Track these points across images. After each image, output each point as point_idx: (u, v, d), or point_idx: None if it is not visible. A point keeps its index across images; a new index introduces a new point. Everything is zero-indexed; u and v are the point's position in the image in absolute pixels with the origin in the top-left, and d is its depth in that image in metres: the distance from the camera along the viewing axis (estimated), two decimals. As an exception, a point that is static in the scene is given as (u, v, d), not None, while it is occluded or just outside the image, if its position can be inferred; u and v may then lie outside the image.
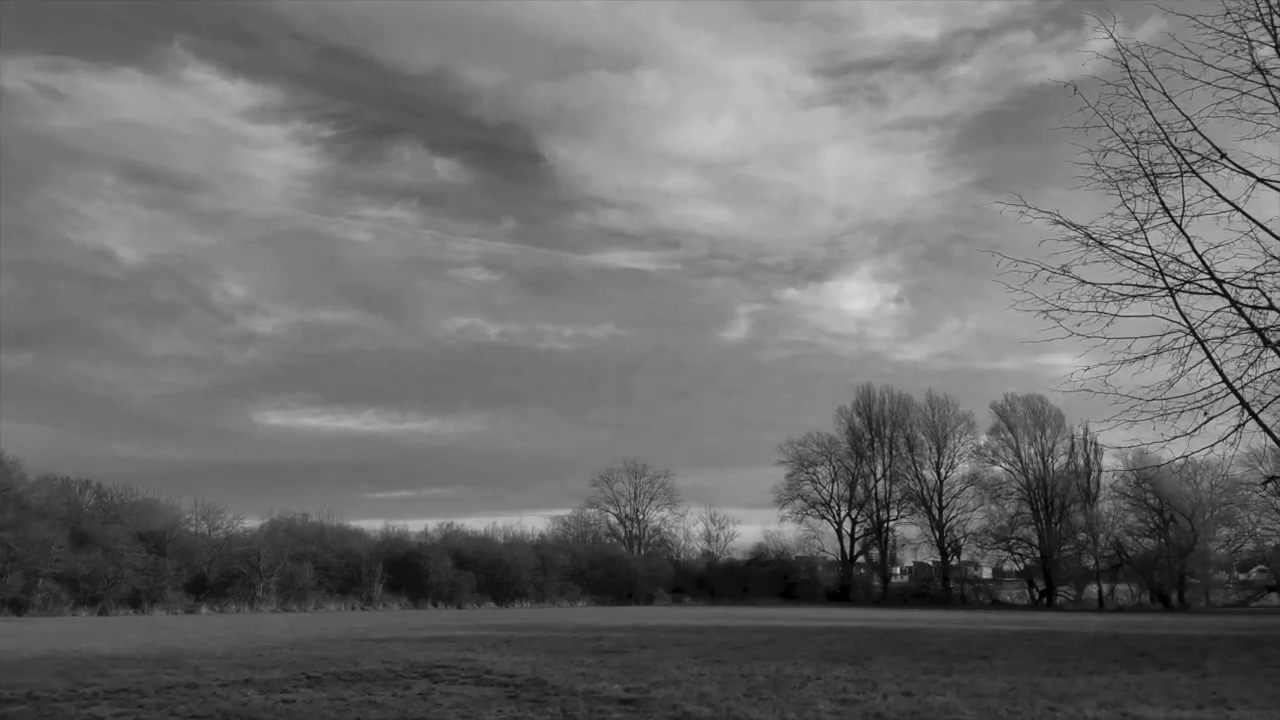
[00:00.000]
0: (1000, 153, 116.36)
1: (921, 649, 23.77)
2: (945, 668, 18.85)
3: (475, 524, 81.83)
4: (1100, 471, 78.77)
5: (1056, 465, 79.99)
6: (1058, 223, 8.81)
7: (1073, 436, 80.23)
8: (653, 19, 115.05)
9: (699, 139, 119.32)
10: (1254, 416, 8.11)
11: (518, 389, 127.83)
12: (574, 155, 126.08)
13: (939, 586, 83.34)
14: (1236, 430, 8.28)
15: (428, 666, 19.16)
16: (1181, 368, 8.62)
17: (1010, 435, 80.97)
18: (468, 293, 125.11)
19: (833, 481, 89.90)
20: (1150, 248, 8.44)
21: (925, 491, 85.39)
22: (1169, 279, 8.40)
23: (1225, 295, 8.03)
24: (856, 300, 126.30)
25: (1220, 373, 8.28)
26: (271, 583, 58.78)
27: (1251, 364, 8.40)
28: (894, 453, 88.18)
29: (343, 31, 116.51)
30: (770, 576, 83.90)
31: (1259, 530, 73.12)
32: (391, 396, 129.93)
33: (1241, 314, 7.93)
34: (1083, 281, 8.72)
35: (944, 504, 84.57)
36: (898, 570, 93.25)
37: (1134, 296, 8.66)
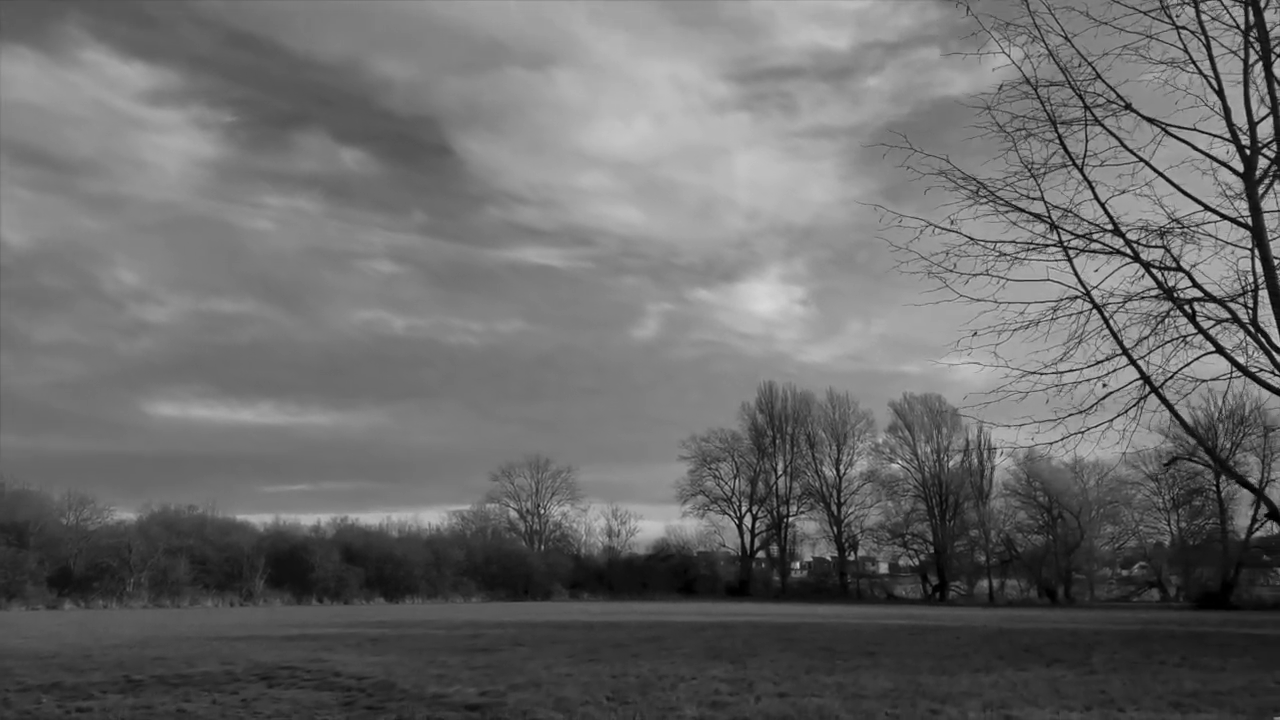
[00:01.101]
0: (902, 170, 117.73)
1: (808, 645, 22.86)
2: (829, 665, 17.87)
3: (375, 519, 79.02)
4: (994, 469, 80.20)
5: (952, 463, 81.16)
6: (946, 174, 7.63)
7: (968, 436, 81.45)
8: (569, 18, 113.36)
9: (614, 139, 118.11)
10: (1155, 390, 7.06)
11: (424, 383, 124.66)
12: (486, 150, 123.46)
13: (836, 581, 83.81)
14: (1138, 404, 7.22)
15: (271, 668, 17.39)
16: (1078, 338, 7.52)
17: (908, 434, 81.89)
18: (373, 285, 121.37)
19: (735, 478, 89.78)
20: (1045, 202, 7.32)
21: (825, 488, 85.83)
22: (1062, 232, 7.28)
23: (1130, 251, 6.95)
24: (764, 302, 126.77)
25: (1118, 341, 7.22)
26: (143, 577, 55.42)
27: (1155, 328, 7.35)
28: (795, 450, 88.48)
29: (249, 17, 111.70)
30: (670, 572, 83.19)
31: (1141, 528, 75.30)
32: (291, 389, 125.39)
33: (1150, 272, 6.88)
34: (972, 239, 7.54)
35: (842, 500, 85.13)
36: (797, 565, 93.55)
37: (1025, 255, 7.53)
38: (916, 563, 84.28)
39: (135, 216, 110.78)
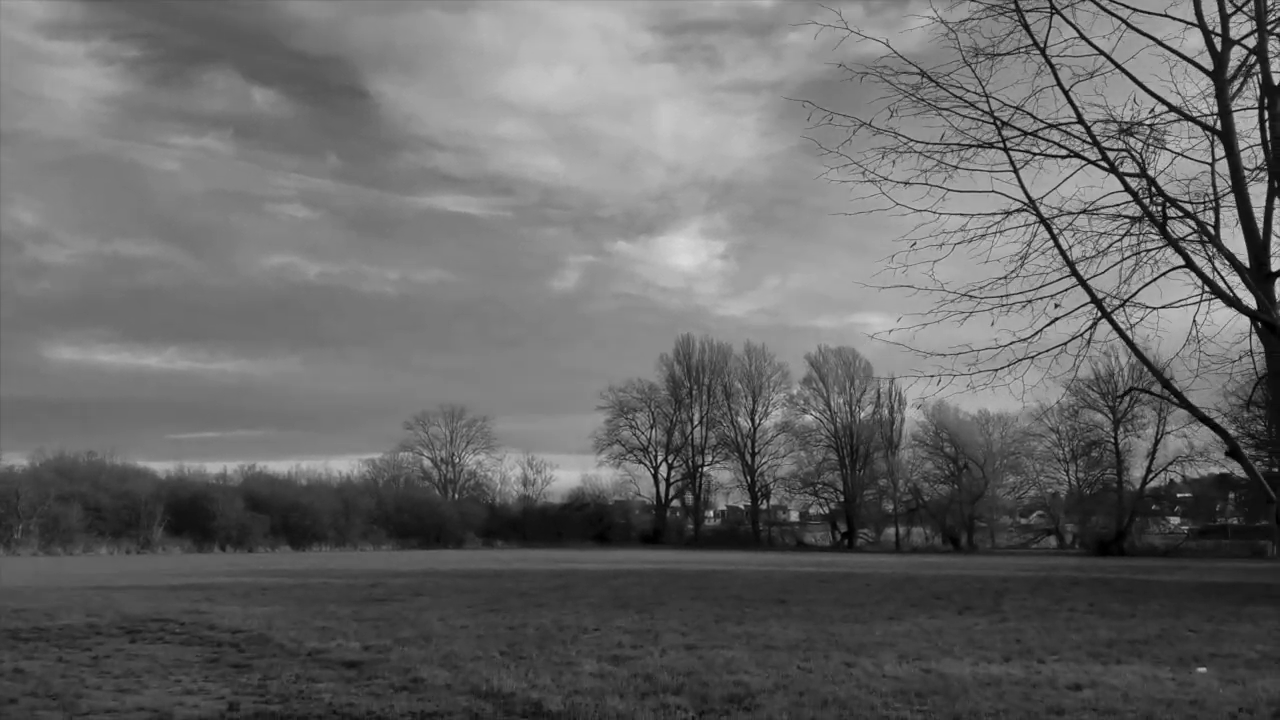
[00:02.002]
0: (826, 120, 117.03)
1: (719, 593, 22.14)
2: (738, 614, 17.08)
3: (285, 468, 76.27)
4: (903, 420, 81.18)
5: (863, 415, 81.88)
6: (880, 74, 6.49)
7: (879, 388, 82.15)
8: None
9: (534, 87, 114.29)
10: (1106, 316, 6.08)
11: (337, 331, 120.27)
12: (402, 94, 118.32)
13: (748, 529, 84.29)
14: (1090, 328, 6.23)
15: (140, 620, 15.88)
16: (1020, 257, 6.48)
17: (822, 385, 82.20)
18: (285, 230, 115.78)
19: (651, 428, 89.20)
20: (991, 97, 6.21)
21: (739, 438, 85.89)
22: (1008, 129, 6.19)
23: (1091, 138, 5.88)
24: (684, 256, 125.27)
25: (1067, 260, 6.19)
26: (33, 524, 52.37)
27: (1121, 238, 6.33)
28: (711, 401, 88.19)
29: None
30: (585, 520, 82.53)
31: (1041, 478, 77.10)
32: (199, 335, 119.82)
33: (1115, 171, 5.82)
34: (910, 141, 6.39)
35: (756, 450, 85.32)
36: (710, 514, 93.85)
37: (968, 163, 6.44)
38: (826, 511, 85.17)
39: (33, 153, 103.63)
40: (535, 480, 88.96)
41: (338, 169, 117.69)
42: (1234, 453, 6.46)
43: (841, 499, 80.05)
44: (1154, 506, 73.11)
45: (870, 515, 79.95)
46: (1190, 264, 6.08)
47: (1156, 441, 66.50)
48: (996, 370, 6.80)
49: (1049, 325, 6.63)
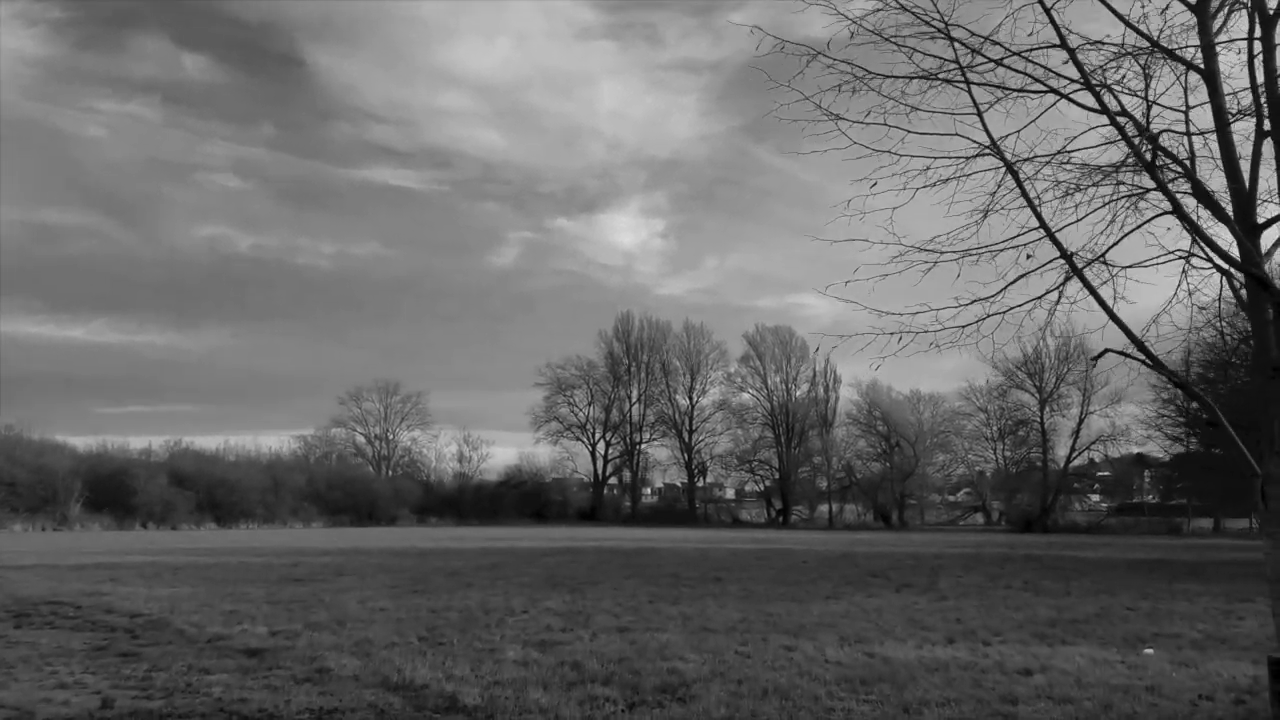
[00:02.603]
0: (765, 102, 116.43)
1: (654, 571, 21.45)
2: (674, 594, 16.39)
3: (215, 443, 73.47)
4: (838, 399, 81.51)
5: (799, 393, 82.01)
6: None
7: (815, 366, 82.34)
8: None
9: (475, 60, 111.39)
10: (1076, 272, 5.37)
11: (271, 305, 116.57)
12: (339, 64, 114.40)
13: (685, 506, 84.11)
14: (1060, 285, 5.52)
15: (33, 604, 14.65)
16: (983, 211, 5.75)
17: (759, 364, 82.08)
18: (217, 200, 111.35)
19: (589, 405, 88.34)
20: (947, 24, 5.44)
21: (677, 416, 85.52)
22: (974, 57, 5.44)
23: (1074, 62, 5.15)
24: (625, 234, 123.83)
25: (1033, 209, 5.47)
26: (-59, 500, 49.81)
27: (1098, 183, 5.64)
28: (650, 378, 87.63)
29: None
30: (522, 498, 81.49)
31: (970, 456, 78.16)
32: (127, 307, 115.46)
33: (1101, 101, 5.09)
34: (867, 73, 5.59)
35: (694, 428, 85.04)
36: (648, 491, 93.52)
37: (929, 99, 5.68)
38: (762, 488, 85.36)
39: None
40: (471, 457, 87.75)
41: (272, 138, 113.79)
42: (1214, 422, 5.85)
43: (777, 476, 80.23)
44: (1075, 485, 74.52)
45: (804, 492, 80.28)
46: (1178, 210, 5.41)
47: (1080, 421, 67.72)
48: (964, 327, 6.09)
49: (1019, 280, 5.93)
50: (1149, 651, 10.37)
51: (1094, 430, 67.51)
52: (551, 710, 7.49)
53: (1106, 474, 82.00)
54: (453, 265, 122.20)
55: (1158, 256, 6.19)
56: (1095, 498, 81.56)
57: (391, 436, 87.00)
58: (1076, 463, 70.45)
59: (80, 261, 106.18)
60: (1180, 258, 5.99)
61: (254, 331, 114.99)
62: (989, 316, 6.06)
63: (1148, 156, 5.47)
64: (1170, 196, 5.41)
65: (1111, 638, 11.39)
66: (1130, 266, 6.33)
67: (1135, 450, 72.28)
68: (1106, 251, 5.98)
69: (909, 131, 6.29)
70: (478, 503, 78.64)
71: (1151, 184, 5.59)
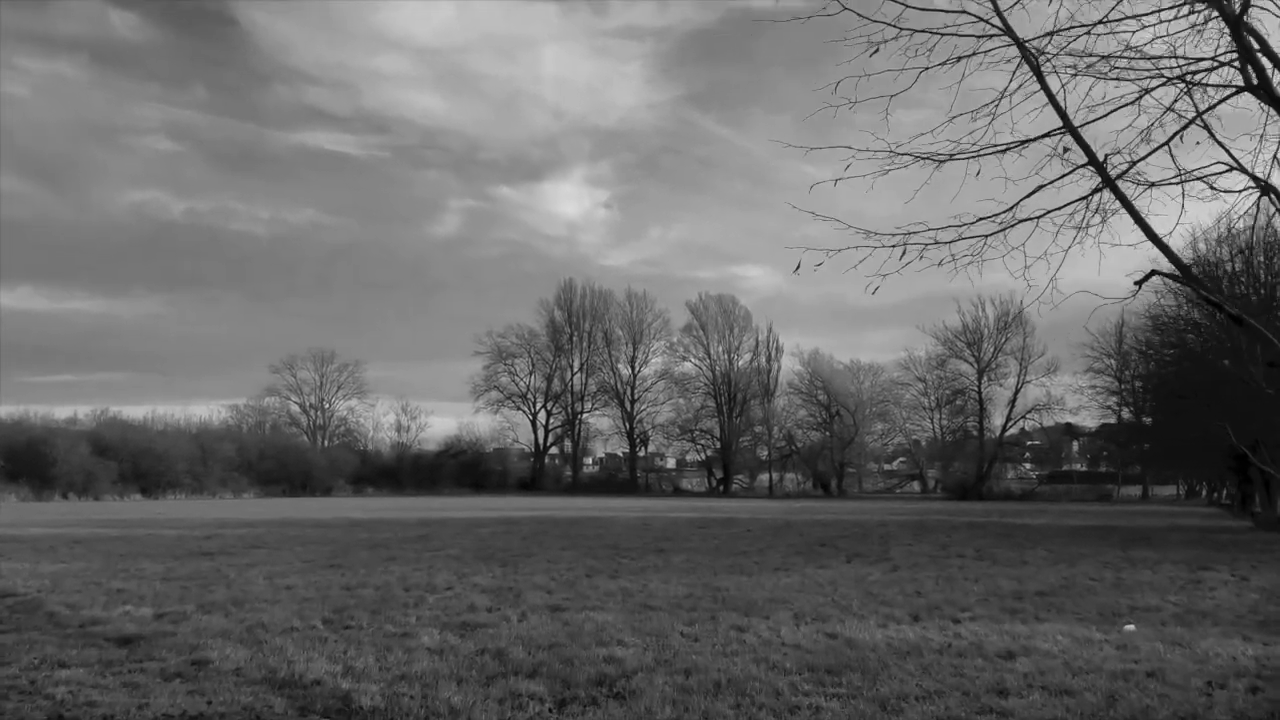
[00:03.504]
0: (711, 71, 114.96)
1: (593, 542, 20.24)
2: (613, 566, 15.18)
3: (144, 413, 70.32)
4: (780, 368, 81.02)
5: (741, 362, 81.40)
6: None
7: (758, 336, 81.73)
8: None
9: (413, 21, 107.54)
10: (1109, 183, 4.12)
11: (204, 272, 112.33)
12: (274, 23, 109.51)
13: (626, 476, 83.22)
14: (1090, 196, 4.29)
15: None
16: (993, 108, 4.50)
17: (702, 333, 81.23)
18: (148, 164, 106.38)
19: (530, 374, 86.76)
20: None
21: (619, 385, 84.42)
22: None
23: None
24: (568, 203, 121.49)
25: (1056, 105, 4.18)
26: None
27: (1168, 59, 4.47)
28: (592, 347, 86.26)
29: None
30: (462, 468, 79.79)
31: (908, 425, 78.38)
32: (54, 273, 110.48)
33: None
34: None
35: (636, 398, 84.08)
36: (589, 461, 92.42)
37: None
38: (703, 457, 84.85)
39: None
40: (410, 427, 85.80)
41: (205, 100, 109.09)
42: (1274, 361, 4.71)
43: (718, 445, 79.69)
44: (1008, 454, 75.24)
45: (745, 461, 79.91)
46: (1264, 83, 4.22)
47: (1017, 391, 68.22)
48: (987, 237, 4.86)
49: (1040, 190, 4.73)
50: (1130, 628, 9.41)
51: (1029, 400, 68.04)
52: (464, 712, 6.20)
53: (1037, 443, 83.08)
54: (392, 234, 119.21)
55: (1205, 168, 5.02)
56: (1026, 466, 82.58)
57: (327, 406, 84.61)
58: (1010, 432, 71.00)
59: (5, 226, 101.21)
60: (1229, 171, 4.83)
61: (187, 299, 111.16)
62: (1019, 223, 4.85)
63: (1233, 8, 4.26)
64: (1251, 58, 4.22)
65: (1085, 613, 10.43)
66: (1163, 183, 5.16)
67: (1068, 420, 73.10)
68: (1147, 156, 4.80)
69: (907, 5, 5.02)
70: (416, 473, 76.83)
71: (1208, 75, 4.41)
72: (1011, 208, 4.97)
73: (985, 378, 68.88)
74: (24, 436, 55.34)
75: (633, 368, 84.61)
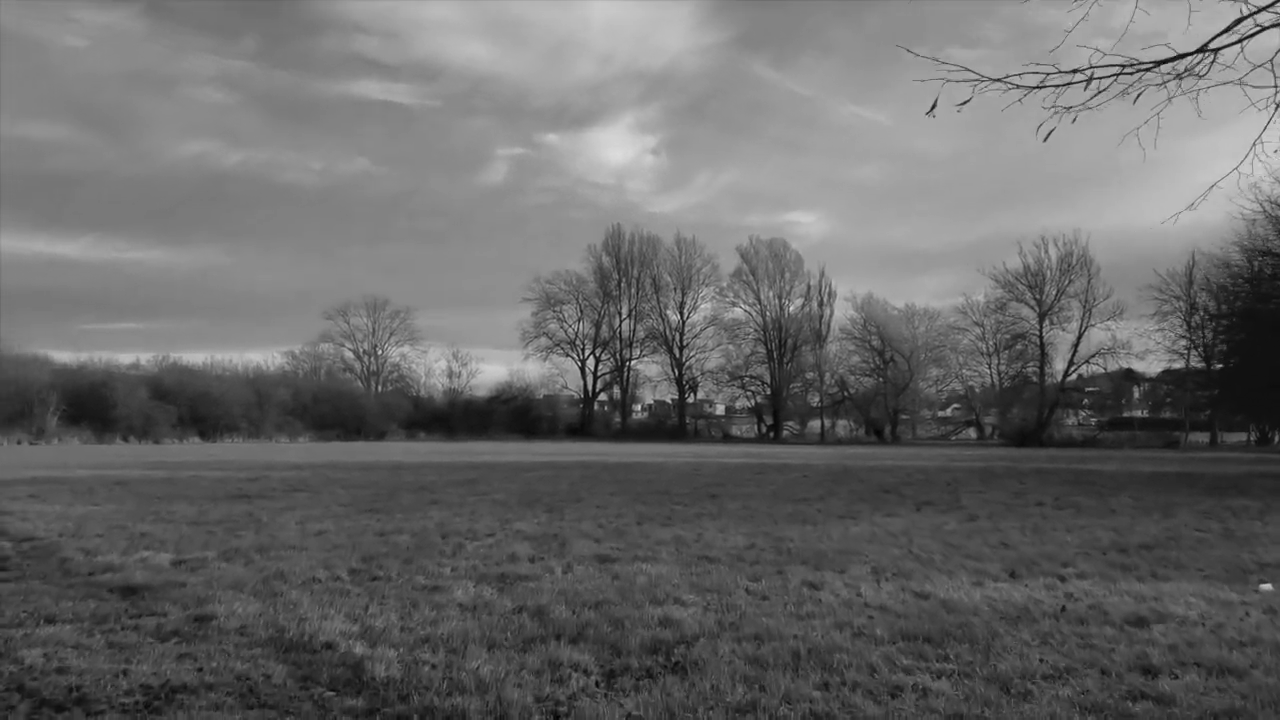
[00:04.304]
0: (760, 12, 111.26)
1: (643, 487, 19.19)
2: (665, 512, 14.09)
3: (201, 359, 70.83)
4: (832, 313, 79.02)
5: (792, 308, 79.55)
6: None
7: (809, 281, 79.72)
8: None
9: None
10: None
11: (259, 222, 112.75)
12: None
13: (675, 422, 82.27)
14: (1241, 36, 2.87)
15: (-89, 527, 12.24)
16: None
17: (752, 278, 79.38)
18: (202, 114, 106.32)
19: (579, 320, 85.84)
20: None
21: (668, 331, 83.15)
22: None
23: None
24: (616, 150, 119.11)
25: None
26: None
27: None
28: (640, 293, 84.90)
29: None
30: (512, 413, 79.51)
31: (964, 371, 76.15)
32: (116, 223, 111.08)
33: None
34: None
35: (684, 344, 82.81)
36: (638, 407, 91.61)
37: None
38: (752, 404, 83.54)
39: None
40: (461, 373, 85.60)
41: (256, 51, 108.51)
42: None
43: (768, 392, 78.25)
44: (1075, 395, 72.70)
45: (796, 408, 78.43)
46: None
47: (1080, 335, 65.60)
48: (1180, 77, 3.52)
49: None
50: (1268, 587, 8.08)
51: (1093, 343, 65.43)
52: (493, 686, 5.12)
53: (1096, 389, 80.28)
54: (441, 182, 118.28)
55: None
56: (1084, 413, 79.87)
57: (380, 352, 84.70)
58: (1073, 377, 68.51)
59: (67, 177, 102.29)
60: None
61: (243, 249, 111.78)
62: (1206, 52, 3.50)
63: None
64: None
65: (1209, 569, 9.07)
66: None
67: (1133, 364, 70.26)
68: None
69: None
70: (467, 418, 76.69)
71: None
72: (1199, 49, 3.61)
73: (1047, 321, 66.36)
74: (85, 381, 55.93)
75: (681, 314, 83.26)
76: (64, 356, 60.24)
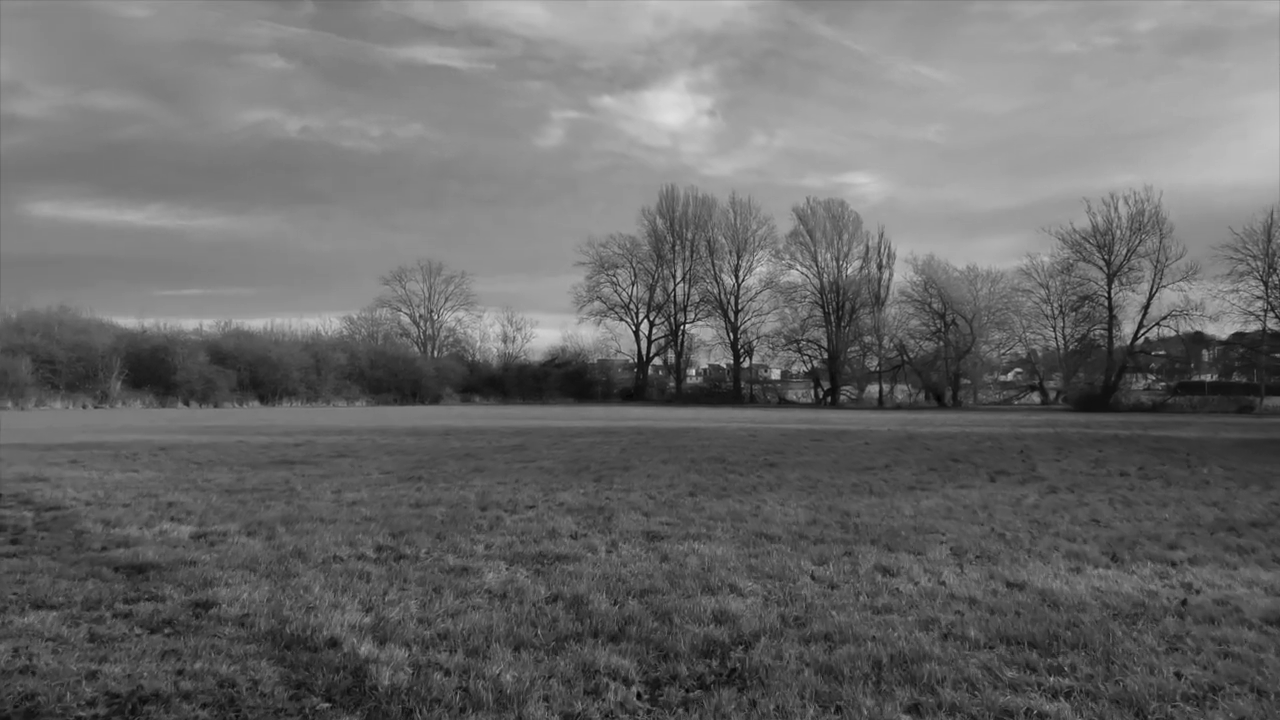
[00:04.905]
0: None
1: (697, 454, 18.28)
2: (720, 483, 13.17)
3: (262, 324, 71.56)
4: (891, 275, 76.89)
5: (850, 270, 77.48)
6: None
7: (868, 242, 77.58)
8: None
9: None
10: None
11: (319, 188, 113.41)
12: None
13: (730, 387, 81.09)
14: None
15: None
16: None
17: (809, 239, 77.36)
18: (262, 82, 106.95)
19: (633, 284, 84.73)
20: None
21: (722, 295, 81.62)
22: None
23: None
24: (671, 112, 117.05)
25: None
26: (-20, 378, 48.20)
27: None
28: (694, 256, 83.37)
29: None
30: (566, 377, 79.01)
31: (1028, 334, 73.70)
32: (181, 191, 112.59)
33: None
34: None
35: (740, 308, 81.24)
36: (692, 372, 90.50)
37: None
38: (809, 368, 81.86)
39: None
40: (515, 338, 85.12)
41: (313, 17, 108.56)
42: None
43: (825, 356, 76.55)
44: (1143, 356, 69.88)
45: (854, 372, 76.61)
46: None
47: (1151, 296, 62.73)
48: None
49: None
50: None
51: (1165, 305, 62.59)
52: (515, 702, 4.27)
53: (1162, 353, 77.25)
54: (497, 147, 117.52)
55: None
56: (1151, 377, 76.94)
57: (436, 317, 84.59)
58: (1144, 338, 65.74)
59: (133, 146, 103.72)
60: None
61: (304, 215, 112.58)
62: None
63: None
64: None
65: (1344, 555, 7.90)
66: None
67: (1207, 327, 67.18)
68: None
69: None
70: (521, 382, 76.33)
71: None
72: None
73: (1116, 282, 63.56)
74: (147, 345, 56.52)
75: (736, 277, 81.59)
76: (129, 322, 61.09)
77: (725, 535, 8.70)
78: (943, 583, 6.67)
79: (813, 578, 6.84)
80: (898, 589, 6.49)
